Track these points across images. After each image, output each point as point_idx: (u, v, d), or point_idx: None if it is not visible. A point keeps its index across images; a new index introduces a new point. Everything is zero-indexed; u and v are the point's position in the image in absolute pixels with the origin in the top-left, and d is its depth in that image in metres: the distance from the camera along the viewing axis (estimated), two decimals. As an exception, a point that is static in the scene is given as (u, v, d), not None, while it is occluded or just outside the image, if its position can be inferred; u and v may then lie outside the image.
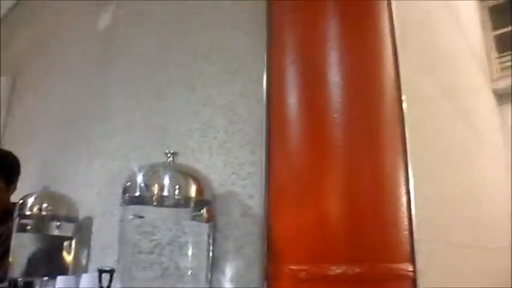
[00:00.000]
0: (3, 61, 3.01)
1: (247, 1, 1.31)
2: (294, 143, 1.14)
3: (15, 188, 1.81)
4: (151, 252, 1.06)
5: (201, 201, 1.11)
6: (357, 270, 0.96)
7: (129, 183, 1.12)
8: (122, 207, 1.13)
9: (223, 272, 1.16)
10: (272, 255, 1.08)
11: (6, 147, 2.08)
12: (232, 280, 1.14)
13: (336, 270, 0.96)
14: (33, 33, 2.77)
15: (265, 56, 1.21)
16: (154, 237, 1.07)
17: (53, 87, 2.26)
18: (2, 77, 2.79)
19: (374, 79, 1.11)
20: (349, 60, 1.10)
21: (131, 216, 1.12)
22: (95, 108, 1.83)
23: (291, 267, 1.02)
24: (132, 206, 1.12)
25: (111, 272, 1.04)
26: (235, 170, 1.20)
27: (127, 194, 1.12)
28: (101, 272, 1.04)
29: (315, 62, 1.13)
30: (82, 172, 1.72)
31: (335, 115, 1.07)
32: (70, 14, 2.38)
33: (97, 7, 2.04)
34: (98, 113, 1.78)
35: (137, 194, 1.10)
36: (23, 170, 1.79)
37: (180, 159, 1.27)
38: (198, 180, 1.12)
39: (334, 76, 1.10)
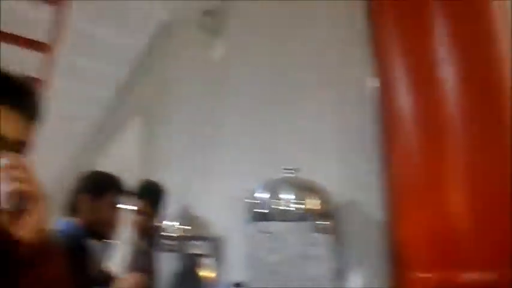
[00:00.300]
0: (136, 102, 3.35)
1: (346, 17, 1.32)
2: (410, 146, 1.10)
3: (159, 214, 2.00)
4: (278, 265, 1.11)
5: (324, 214, 1.13)
6: (490, 277, 0.89)
7: (252, 201, 1.19)
8: (247, 224, 1.20)
9: (349, 281, 1.16)
10: (398, 263, 1.06)
11: (147, 176, 2.32)
12: (359, 289, 1.14)
13: (467, 277, 0.91)
14: (157, 73, 3.05)
15: (371, 63, 1.20)
16: (281, 251, 1.12)
17: (178, 118, 2.46)
18: (136, 117, 3.11)
19: (490, 76, 1.04)
20: (461, 57, 1.05)
21: (256, 232, 1.19)
22: (214, 133, 1.96)
23: (419, 275, 0.99)
24: (256, 223, 1.18)
25: (241, 285, 1.10)
26: (353, 180, 1.20)
27: (251, 211, 1.18)
28: (234, 285, 1.11)
29: (424, 63, 1.09)
30: (211, 193, 1.84)
31: (451, 113, 1.02)
32: (185, 48, 2.58)
33: (210, 39, 2.19)
34: (218, 137, 1.91)
35: (261, 210, 1.16)
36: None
37: (298, 174, 1.31)
38: (319, 193, 1.15)
39: (446, 73, 1.05)
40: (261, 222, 1.17)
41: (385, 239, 1.09)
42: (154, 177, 2.12)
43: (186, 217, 1.79)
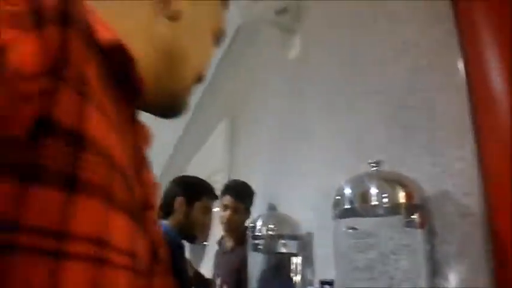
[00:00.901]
0: (222, 105, 3.46)
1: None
2: (506, 129, 1.03)
3: (249, 214, 2.05)
4: (366, 264, 1.08)
5: (412, 207, 1.08)
6: None
7: (338, 197, 1.17)
8: (334, 221, 1.18)
9: (446, 278, 1.09)
10: (499, 258, 0.98)
11: (235, 177, 2.38)
12: (456, 286, 1.07)
13: None
14: (240, 75, 3.13)
15: (458, 45, 1.13)
16: (370, 248, 1.09)
17: (262, 117, 2.50)
18: (223, 119, 3.21)
19: None
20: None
21: (344, 229, 1.16)
22: (296, 131, 1.96)
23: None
24: (343, 219, 1.16)
25: (331, 283, 1.09)
26: (444, 169, 1.14)
27: (337, 208, 1.16)
28: (322, 284, 1.09)
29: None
30: (296, 191, 1.85)
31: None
32: (264, 48, 2.61)
33: (287, 38, 2.20)
34: (302, 134, 1.90)
35: (347, 206, 1.14)
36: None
37: (385, 167, 1.27)
38: (405, 186, 1.10)
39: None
40: (349, 219, 1.15)
41: (483, 231, 1.02)
42: (242, 178, 2.17)
43: (274, 216, 1.81)
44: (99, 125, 0.35)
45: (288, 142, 2.04)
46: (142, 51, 0.49)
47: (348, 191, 1.14)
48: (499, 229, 0.99)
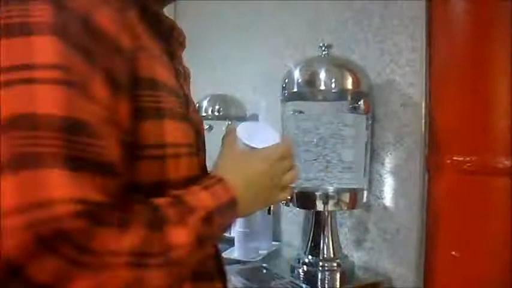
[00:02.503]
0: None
1: None
2: (459, 22, 1.02)
3: None
4: (313, 146, 1.10)
5: (358, 93, 1.09)
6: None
7: (286, 80, 1.15)
8: (281, 104, 1.18)
9: (382, 163, 1.15)
10: (434, 145, 1.04)
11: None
12: (392, 171, 1.14)
13: (506, 162, 0.88)
14: None
15: None
16: (315, 131, 1.10)
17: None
18: None
19: None
20: None
21: (291, 112, 1.17)
22: (250, 14, 1.87)
23: (455, 158, 0.97)
24: (290, 102, 1.16)
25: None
26: (394, 58, 1.14)
27: (285, 91, 1.15)
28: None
29: None
30: (242, 74, 1.81)
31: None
32: None
33: None
34: (251, 18, 1.82)
35: (295, 90, 1.13)
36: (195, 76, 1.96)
37: (335, 51, 1.25)
38: (354, 72, 1.10)
39: None
40: (292, 102, 1.15)
41: (423, 121, 1.06)
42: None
43: (220, 97, 1.80)
44: (163, 72, 0.54)
45: (239, 26, 1.95)
46: None
47: (296, 74, 1.13)
48: (437, 119, 1.02)
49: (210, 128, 1.74)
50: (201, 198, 0.51)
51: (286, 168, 0.64)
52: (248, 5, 1.78)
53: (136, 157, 0.48)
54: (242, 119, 1.74)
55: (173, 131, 0.52)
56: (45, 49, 0.40)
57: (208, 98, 1.77)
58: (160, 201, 0.47)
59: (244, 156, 0.63)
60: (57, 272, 0.36)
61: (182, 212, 0.48)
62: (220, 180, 0.55)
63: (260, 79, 1.68)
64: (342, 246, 1.24)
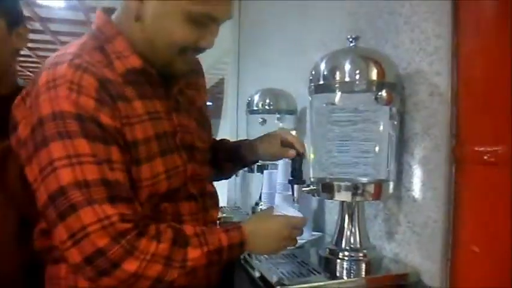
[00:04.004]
0: None
1: None
2: (486, 8, 0.98)
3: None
4: (339, 139, 1.11)
5: (382, 84, 1.07)
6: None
7: (313, 72, 1.17)
8: (310, 96, 1.20)
9: (411, 154, 1.13)
10: (460, 136, 1.00)
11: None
12: (420, 162, 1.11)
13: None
14: None
15: None
16: (342, 123, 1.11)
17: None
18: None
19: None
20: None
21: (324, 105, 1.18)
22: (299, 7, 1.88)
23: (480, 148, 0.93)
24: (318, 95, 1.17)
25: (301, 156, 1.14)
26: (422, 46, 1.11)
27: (312, 84, 1.17)
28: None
29: None
30: (295, 68, 1.83)
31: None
32: None
33: None
34: (301, 11, 1.83)
35: (321, 82, 1.14)
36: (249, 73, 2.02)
37: (371, 42, 1.24)
38: (378, 63, 1.09)
39: None
40: (320, 94, 1.16)
41: (450, 111, 1.03)
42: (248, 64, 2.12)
43: (271, 91, 1.84)
44: (142, 132, 0.87)
45: (288, 20, 1.98)
46: (140, 40, 0.89)
47: (322, 66, 1.14)
48: (463, 109, 0.99)
49: (264, 121, 1.80)
50: (220, 238, 0.86)
51: (293, 236, 0.97)
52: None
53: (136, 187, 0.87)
54: (291, 112, 1.77)
55: (148, 170, 0.88)
56: (83, 145, 0.78)
57: (259, 93, 1.83)
58: (190, 231, 0.85)
59: (271, 216, 0.97)
60: (119, 254, 0.75)
61: (202, 242, 0.83)
62: (239, 227, 0.89)
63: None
64: (376, 237, 1.24)
